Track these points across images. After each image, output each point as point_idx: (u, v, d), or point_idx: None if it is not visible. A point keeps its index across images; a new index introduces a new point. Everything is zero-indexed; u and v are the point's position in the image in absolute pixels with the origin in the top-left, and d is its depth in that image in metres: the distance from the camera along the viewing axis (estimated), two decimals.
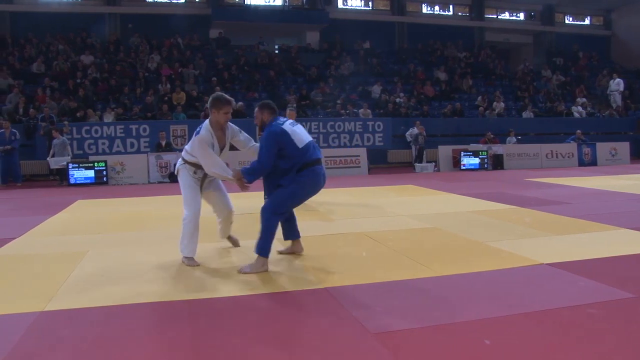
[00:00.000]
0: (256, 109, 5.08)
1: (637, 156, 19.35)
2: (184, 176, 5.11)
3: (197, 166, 5.06)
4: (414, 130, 17.35)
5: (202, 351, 3.10)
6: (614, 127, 21.74)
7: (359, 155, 16.29)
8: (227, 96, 5.05)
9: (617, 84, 23.23)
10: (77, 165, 14.00)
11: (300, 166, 4.71)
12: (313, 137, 17.44)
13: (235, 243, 5.90)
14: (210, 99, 5.00)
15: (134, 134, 15.98)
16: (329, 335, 3.18)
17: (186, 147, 5.16)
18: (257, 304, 3.94)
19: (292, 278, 4.61)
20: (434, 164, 16.94)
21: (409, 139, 17.65)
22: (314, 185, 4.88)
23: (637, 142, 19.94)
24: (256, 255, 4.75)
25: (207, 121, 5.04)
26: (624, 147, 18.86)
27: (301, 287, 4.31)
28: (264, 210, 4.77)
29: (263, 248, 4.72)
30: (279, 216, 4.78)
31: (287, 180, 4.74)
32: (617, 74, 23.87)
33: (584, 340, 3.19)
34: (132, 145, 15.94)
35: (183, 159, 5.13)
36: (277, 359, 2.99)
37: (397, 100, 20.42)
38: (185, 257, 5.07)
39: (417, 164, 16.93)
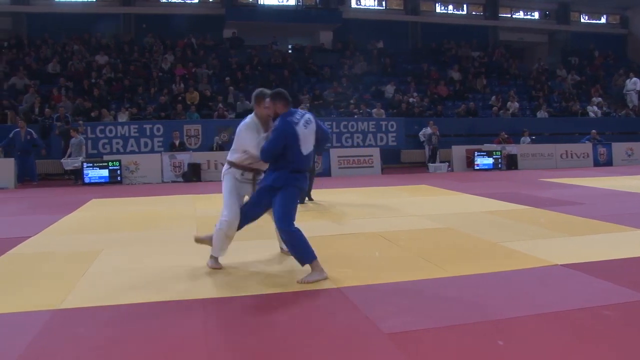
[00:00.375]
0: (268, 99, 4.77)
1: None
2: (228, 181, 5.03)
3: (244, 167, 4.99)
4: (427, 130, 17.29)
5: (216, 350, 3.11)
6: (630, 127, 21.48)
7: (372, 155, 16.25)
8: (266, 90, 4.98)
9: (633, 83, 22.98)
10: (91, 164, 14.11)
11: (294, 169, 4.58)
12: None
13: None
14: (253, 94, 5.07)
15: (147, 133, 16.07)
16: (343, 335, 3.18)
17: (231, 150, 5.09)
18: (270, 303, 3.95)
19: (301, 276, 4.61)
20: (447, 164, 16.87)
21: (422, 138, 17.60)
22: (302, 191, 4.86)
23: None
24: (308, 266, 4.54)
25: (252, 113, 5.12)
26: None
27: (314, 287, 4.31)
28: (281, 230, 4.61)
29: (304, 256, 4.52)
30: (293, 224, 4.56)
31: (280, 179, 4.55)
32: (633, 73, 23.62)
33: (599, 342, 3.16)
34: (146, 144, 16.04)
35: (228, 163, 5.06)
36: (290, 358, 3.00)
37: (411, 100, 20.36)
38: (211, 258, 4.98)
39: (430, 164, 16.87)
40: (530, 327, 3.38)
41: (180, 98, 18.34)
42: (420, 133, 17.62)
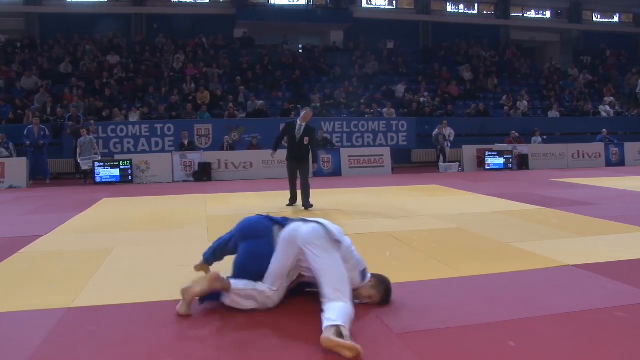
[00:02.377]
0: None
1: None
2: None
3: None
4: (435, 130, 17.26)
5: (227, 347, 3.12)
6: None
7: (382, 155, 16.23)
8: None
9: None
10: (102, 163, 14.20)
11: None
12: (337, 136, 17.34)
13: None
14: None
15: (158, 133, 16.16)
16: (354, 335, 3.18)
17: None
18: (281, 303, 3.95)
19: None
20: (458, 163, 16.81)
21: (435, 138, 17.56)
22: None
23: None
24: None
25: None
26: None
27: None
28: None
29: None
30: None
31: None
32: None
33: (611, 344, 3.14)
34: (156, 144, 16.12)
35: None
36: (300, 358, 3.00)
37: (422, 99, 20.31)
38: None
39: (441, 164, 16.83)
40: (541, 328, 3.37)
41: (191, 98, 18.42)
42: (434, 133, 17.56)
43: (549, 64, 25.44)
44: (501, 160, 16.63)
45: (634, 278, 4.37)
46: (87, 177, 14.38)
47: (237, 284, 3.67)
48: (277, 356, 3.00)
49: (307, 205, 8.86)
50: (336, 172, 15.54)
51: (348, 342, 2.97)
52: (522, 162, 16.77)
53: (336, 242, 3.63)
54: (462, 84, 22.41)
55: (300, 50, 24.93)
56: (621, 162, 17.84)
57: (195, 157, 14.82)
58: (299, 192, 9.09)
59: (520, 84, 23.39)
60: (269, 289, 3.67)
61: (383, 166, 16.02)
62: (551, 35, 28.68)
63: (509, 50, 26.12)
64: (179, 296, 4.08)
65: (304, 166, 9.11)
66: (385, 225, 7.08)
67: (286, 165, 9.33)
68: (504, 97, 21.45)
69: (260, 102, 18.09)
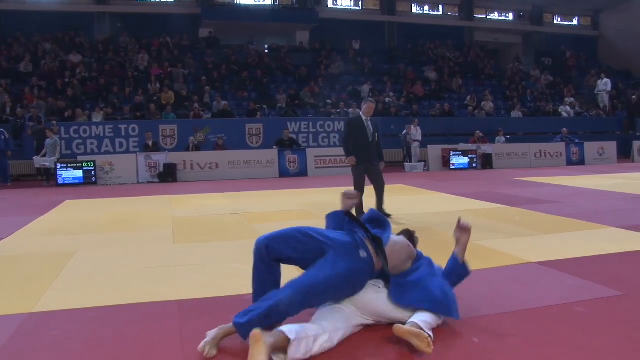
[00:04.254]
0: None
1: (623, 155, 19.50)
2: None
3: None
4: (405, 130, 17.40)
5: (192, 353, 3.09)
6: (602, 127, 21.90)
7: None
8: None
9: (604, 84, 23.41)
10: (65, 165, 13.91)
11: None
12: (303, 137, 16.98)
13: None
14: None
15: (123, 133, 15.91)
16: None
17: None
18: (248, 304, 3.93)
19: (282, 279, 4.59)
20: (423, 163, 16.98)
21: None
22: None
23: (623, 142, 20.09)
24: None
25: None
26: (611, 147, 19.03)
27: None
28: None
29: None
30: None
31: None
32: (605, 74, 24.05)
33: (571, 337, 3.21)
34: (121, 145, 15.87)
35: None
36: None
37: (387, 99, 20.45)
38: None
39: (406, 164, 16.97)
40: (504, 324, 3.42)
41: (155, 98, 18.21)
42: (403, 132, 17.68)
43: (512, 65, 25.90)
44: (466, 160, 16.87)
45: (594, 274, 4.48)
46: (49, 178, 14.07)
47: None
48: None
49: (385, 212, 7.62)
50: (302, 172, 15.54)
51: (416, 329, 2.95)
52: (486, 162, 17.04)
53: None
54: (427, 84, 22.66)
55: (266, 51, 24.87)
56: (581, 161, 18.28)
57: (160, 158, 14.64)
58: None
59: (484, 85, 23.77)
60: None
61: (349, 166, 16.02)
62: (514, 37, 29.23)
63: (473, 51, 26.52)
64: (143, 299, 4.03)
65: (376, 167, 7.89)
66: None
67: (353, 171, 7.89)
68: (468, 98, 21.77)
69: (224, 102, 17.97)
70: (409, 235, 3.84)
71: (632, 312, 3.62)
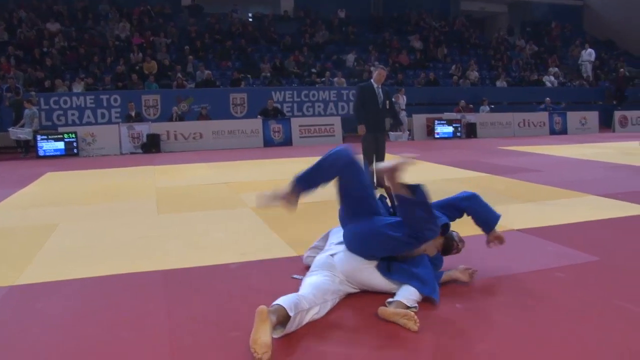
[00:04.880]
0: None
1: (605, 125, 19.66)
2: None
3: None
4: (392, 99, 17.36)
5: (179, 321, 3.10)
6: (584, 97, 22.00)
7: (333, 124, 16.28)
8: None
9: (588, 54, 23.44)
10: (45, 136, 13.73)
11: None
12: (287, 106, 16.67)
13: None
14: None
15: (104, 104, 15.72)
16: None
17: None
18: (233, 273, 3.95)
19: (268, 248, 4.62)
20: (408, 132, 17.00)
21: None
22: None
23: (605, 112, 20.23)
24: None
25: None
26: (593, 117, 19.17)
27: (278, 255, 4.33)
28: None
29: None
30: None
31: None
32: (589, 45, 24.07)
33: (549, 302, 3.27)
34: (103, 115, 15.69)
35: None
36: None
37: (372, 69, 20.30)
38: None
39: (391, 133, 16.97)
40: (486, 290, 3.48)
41: (137, 68, 17.92)
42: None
43: (497, 35, 25.81)
44: (450, 129, 16.91)
45: (574, 240, 4.56)
46: (28, 150, 13.89)
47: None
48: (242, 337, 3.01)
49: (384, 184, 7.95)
50: (287, 141, 15.50)
51: (402, 310, 2.98)
52: (470, 131, 17.09)
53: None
54: (412, 54, 22.53)
55: (250, 19, 24.49)
56: (564, 131, 18.40)
57: (143, 129, 14.50)
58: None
59: (469, 54, 23.69)
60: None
61: (334, 135, 16.07)
62: (499, 6, 29.03)
63: (458, 21, 26.34)
64: (127, 269, 4.03)
65: (383, 137, 7.83)
66: (334, 194, 7.11)
67: (364, 140, 7.67)
68: (453, 67, 21.71)
69: (208, 72, 17.76)
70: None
71: (609, 277, 3.71)
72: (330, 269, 3.29)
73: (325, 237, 3.83)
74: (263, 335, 2.55)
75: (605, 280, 3.63)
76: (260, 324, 2.60)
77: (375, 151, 7.66)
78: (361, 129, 7.60)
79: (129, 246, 4.75)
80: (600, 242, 4.58)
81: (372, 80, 7.61)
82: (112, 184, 8.75)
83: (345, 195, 3.51)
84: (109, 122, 15.46)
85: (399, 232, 3.21)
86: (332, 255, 3.37)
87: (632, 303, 3.21)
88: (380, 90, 7.57)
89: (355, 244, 3.34)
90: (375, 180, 7.55)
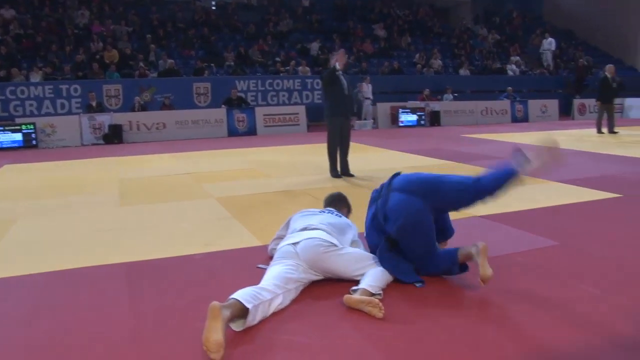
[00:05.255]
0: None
1: (565, 113, 20.09)
2: None
3: None
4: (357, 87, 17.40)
5: (141, 313, 3.07)
6: (545, 85, 22.43)
7: (298, 113, 16.25)
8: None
9: (549, 44, 23.86)
10: (2, 127, 13.35)
11: None
12: (251, 95, 16.38)
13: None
14: None
15: (64, 94, 15.35)
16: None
17: None
18: (201, 263, 3.93)
19: (232, 238, 4.60)
20: (372, 120, 17.08)
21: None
22: None
23: (565, 100, 20.66)
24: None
25: None
26: (553, 105, 19.59)
27: (242, 244, 4.32)
28: None
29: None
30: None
31: None
32: (549, 34, 24.50)
33: (512, 286, 3.34)
34: (62, 106, 15.32)
35: None
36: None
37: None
38: None
39: (356, 121, 17.01)
40: (450, 275, 3.53)
41: (98, 57, 17.52)
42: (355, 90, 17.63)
43: (460, 24, 26.05)
44: (414, 117, 17.05)
45: (534, 225, 4.66)
46: None
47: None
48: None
49: (349, 172, 7.68)
50: (251, 131, 15.43)
51: (366, 297, 2.99)
52: (434, 119, 17.26)
53: None
54: (376, 42, 22.60)
55: (213, 7, 24.20)
56: (525, 118, 18.74)
57: (105, 119, 14.24)
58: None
59: (433, 43, 23.87)
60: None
61: (298, 124, 16.05)
62: None
63: (422, 9, 26.51)
64: (89, 262, 3.96)
65: (348, 124, 7.68)
66: (300, 183, 7.12)
67: (332, 125, 7.54)
68: (417, 56, 21.85)
69: (170, 60, 17.50)
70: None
71: (568, 260, 3.80)
72: (293, 258, 3.28)
73: (287, 225, 3.81)
74: (215, 334, 2.51)
75: (565, 264, 3.73)
76: (212, 321, 2.54)
77: (343, 140, 7.60)
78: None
79: (90, 239, 4.67)
80: (559, 227, 4.69)
81: (336, 65, 7.32)
82: (73, 176, 8.58)
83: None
84: (69, 112, 15.11)
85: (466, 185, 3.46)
86: (294, 243, 3.35)
87: (592, 285, 3.31)
88: (344, 75, 7.48)
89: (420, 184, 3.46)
90: (339, 169, 7.61)
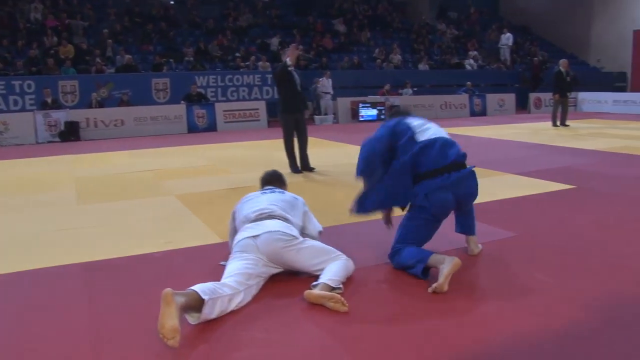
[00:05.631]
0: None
1: (521, 107, 20.52)
2: None
3: None
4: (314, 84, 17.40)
5: (100, 314, 3.02)
6: (502, 79, 22.86)
7: (258, 109, 16.18)
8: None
9: (507, 39, 24.30)
10: None
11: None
12: (211, 91, 16.16)
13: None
14: None
15: (17, 90, 14.90)
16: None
17: None
18: (161, 261, 3.88)
19: (193, 235, 4.56)
20: (333, 115, 17.13)
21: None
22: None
23: (521, 94, 21.10)
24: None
25: None
26: (510, 99, 19.98)
27: (203, 241, 4.29)
28: None
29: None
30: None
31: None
32: (507, 29, 24.95)
33: (471, 277, 3.41)
34: (15, 102, 14.87)
35: None
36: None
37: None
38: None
39: (316, 116, 17.04)
40: (408, 272, 3.57)
41: (52, 52, 17.08)
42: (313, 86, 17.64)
43: (419, 19, 26.29)
44: (374, 112, 17.16)
45: (492, 217, 4.75)
46: None
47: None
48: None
49: (309, 166, 7.77)
50: (211, 127, 15.29)
51: (327, 293, 2.99)
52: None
53: None
54: (336, 37, 22.64)
55: (172, 2, 23.83)
56: (483, 112, 19.08)
57: (60, 116, 13.90)
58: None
59: (392, 38, 24.04)
60: None
61: (259, 120, 15.99)
62: None
63: (381, 5, 26.65)
64: (46, 263, 3.87)
65: (303, 118, 7.70)
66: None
67: (285, 121, 7.63)
68: (377, 50, 21.98)
69: (128, 56, 17.19)
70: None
71: (526, 251, 3.89)
72: (253, 251, 3.25)
73: (233, 218, 3.76)
74: (169, 319, 2.49)
75: (523, 255, 3.81)
76: (165, 308, 2.53)
77: (297, 132, 7.64)
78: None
79: (46, 239, 4.57)
80: (517, 218, 4.80)
81: (287, 61, 7.40)
82: (27, 174, 8.36)
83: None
84: (23, 109, 14.69)
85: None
86: (254, 236, 3.31)
87: (548, 276, 3.39)
88: (295, 71, 7.52)
89: None
90: (298, 164, 7.62)
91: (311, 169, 7.65)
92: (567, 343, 2.55)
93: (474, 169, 3.58)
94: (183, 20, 21.44)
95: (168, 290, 2.58)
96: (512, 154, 9.00)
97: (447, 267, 3.17)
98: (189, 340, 2.57)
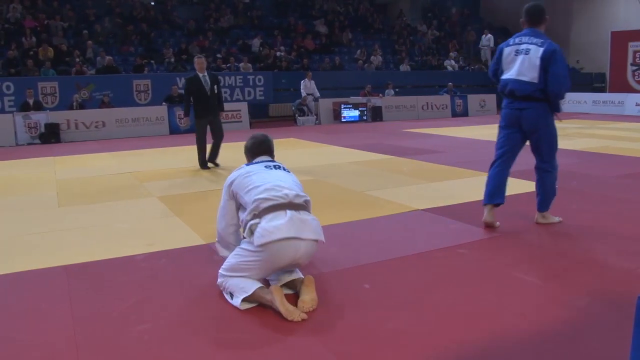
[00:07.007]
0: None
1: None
2: None
3: None
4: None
5: (82, 317, 3.00)
6: (483, 80, 23.00)
7: (240, 110, 16.13)
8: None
9: (488, 40, 24.51)
10: None
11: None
12: None
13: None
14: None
15: None
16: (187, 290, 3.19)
17: None
18: (143, 263, 3.86)
19: (175, 237, 4.54)
20: (315, 117, 17.15)
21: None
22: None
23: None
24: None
25: None
26: (491, 99, 20.12)
27: (185, 243, 4.27)
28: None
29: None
30: None
31: None
32: (488, 30, 25.17)
33: (453, 275, 3.44)
34: None
35: None
36: (155, 318, 2.97)
37: (278, 54, 20.28)
38: None
39: (299, 117, 17.04)
40: (394, 269, 3.60)
41: (32, 53, 16.89)
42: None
43: (400, 20, 26.42)
44: (356, 113, 17.20)
45: (474, 218, 4.78)
46: None
47: None
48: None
49: (215, 161, 8.57)
50: (193, 128, 15.07)
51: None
52: (376, 114, 17.46)
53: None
54: (317, 38, 22.66)
55: (152, 3, 23.67)
56: (465, 113, 19.22)
57: (40, 118, 13.72)
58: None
59: (374, 39, 24.12)
60: None
61: (241, 121, 15.94)
62: None
63: (362, 6, 26.73)
64: (27, 267, 3.83)
65: (218, 118, 8.47)
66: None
67: (198, 126, 8.44)
68: (358, 52, 22.05)
69: (109, 57, 17.05)
70: None
71: (507, 251, 3.94)
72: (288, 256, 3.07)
73: (232, 194, 3.51)
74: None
75: (503, 255, 3.86)
76: (281, 297, 2.88)
77: (213, 132, 8.42)
78: (185, 121, 9.32)
79: (27, 242, 4.52)
80: (498, 218, 4.83)
81: (196, 71, 8.23)
82: (7, 176, 8.25)
83: None
84: (2, 111, 14.49)
85: None
86: (296, 239, 3.04)
87: (527, 274, 3.44)
88: (206, 77, 8.18)
89: None
90: (207, 157, 8.40)
91: (216, 164, 8.48)
92: (544, 342, 2.58)
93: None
94: (164, 21, 21.32)
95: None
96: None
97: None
98: (180, 344, 2.56)
